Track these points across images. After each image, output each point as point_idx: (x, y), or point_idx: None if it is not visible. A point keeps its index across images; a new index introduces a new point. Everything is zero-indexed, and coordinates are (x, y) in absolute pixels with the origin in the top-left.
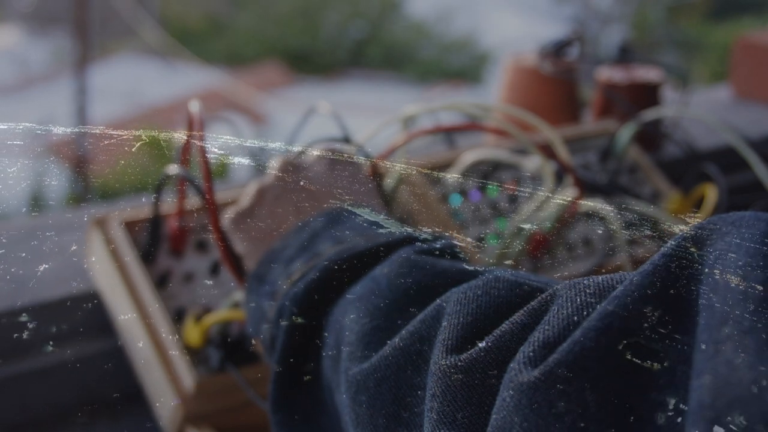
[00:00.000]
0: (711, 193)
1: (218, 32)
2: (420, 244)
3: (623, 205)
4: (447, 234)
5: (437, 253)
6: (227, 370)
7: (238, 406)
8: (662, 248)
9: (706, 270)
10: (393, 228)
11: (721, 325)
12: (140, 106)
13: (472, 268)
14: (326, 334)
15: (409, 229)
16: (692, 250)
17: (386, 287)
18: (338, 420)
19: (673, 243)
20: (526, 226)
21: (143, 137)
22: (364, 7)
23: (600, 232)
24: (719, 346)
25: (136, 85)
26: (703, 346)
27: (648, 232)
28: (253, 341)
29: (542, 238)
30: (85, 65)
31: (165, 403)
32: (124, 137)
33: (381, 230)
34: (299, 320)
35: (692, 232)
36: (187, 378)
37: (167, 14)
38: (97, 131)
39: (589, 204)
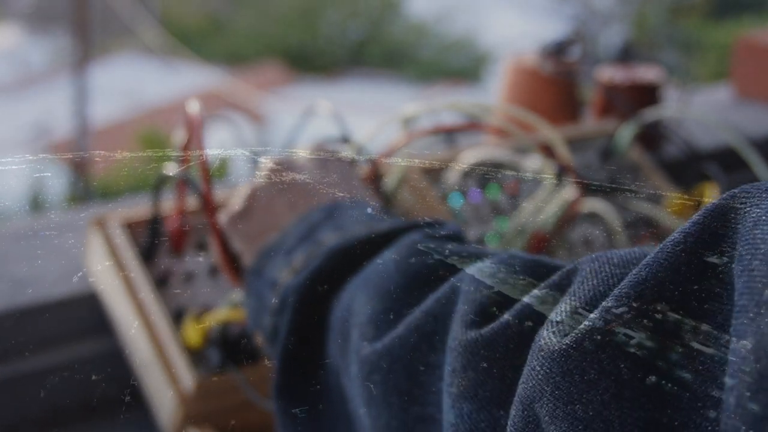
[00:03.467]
0: (711, 193)
1: (218, 32)
2: (425, 230)
3: (623, 205)
4: (453, 222)
5: (444, 238)
6: (227, 370)
7: (238, 406)
8: (693, 216)
9: (741, 237)
10: (395, 218)
11: (764, 288)
12: (140, 105)
13: (482, 250)
14: (331, 321)
15: (412, 219)
16: (724, 217)
17: (395, 271)
18: (344, 405)
19: (704, 211)
20: (527, 226)
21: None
22: (364, 7)
23: (600, 232)
24: (762, 308)
25: (136, 85)
26: (744, 310)
27: (648, 232)
28: (255, 334)
29: (543, 237)
30: (85, 65)
31: (165, 403)
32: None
33: (383, 220)
34: (302, 309)
35: (724, 200)
36: (187, 378)
37: (167, 14)
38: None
39: (589, 204)
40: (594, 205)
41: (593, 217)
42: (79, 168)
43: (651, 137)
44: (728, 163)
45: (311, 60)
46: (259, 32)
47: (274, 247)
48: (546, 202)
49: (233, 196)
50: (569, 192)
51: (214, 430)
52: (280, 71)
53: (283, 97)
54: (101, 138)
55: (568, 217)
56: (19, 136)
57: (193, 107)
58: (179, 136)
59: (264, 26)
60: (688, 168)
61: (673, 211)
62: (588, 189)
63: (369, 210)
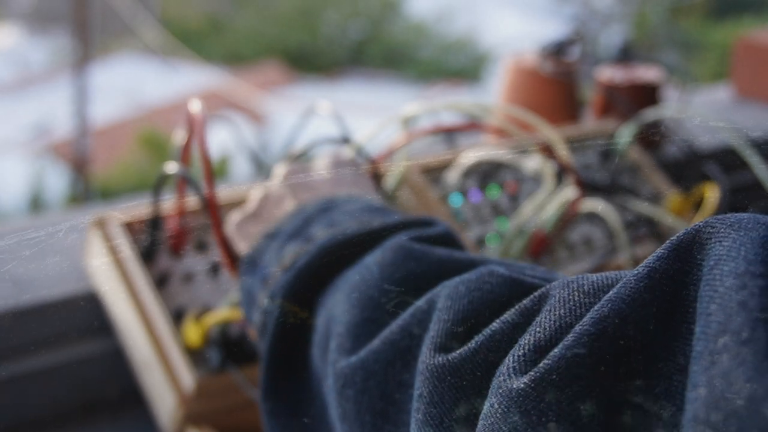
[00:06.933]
0: (711, 193)
1: (218, 32)
2: (415, 230)
3: (623, 205)
4: (444, 221)
5: (433, 240)
6: (227, 370)
7: (238, 406)
8: (657, 251)
9: (704, 276)
10: (388, 213)
11: (718, 335)
12: (140, 105)
13: (468, 258)
14: (316, 323)
15: (405, 215)
16: (689, 253)
17: (378, 276)
18: (326, 411)
19: (668, 245)
20: (527, 226)
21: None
22: (364, 7)
23: (600, 232)
24: (716, 357)
25: (136, 85)
26: (700, 357)
27: (648, 232)
28: (248, 327)
29: (543, 238)
30: (85, 65)
31: (165, 403)
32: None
33: (376, 215)
34: (289, 308)
35: (689, 235)
36: (187, 378)
37: (167, 14)
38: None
39: (589, 204)
40: (594, 205)
41: (593, 217)
42: (79, 168)
43: (651, 137)
44: (728, 163)
45: (311, 60)
46: (259, 32)
47: (269, 239)
48: (546, 202)
49: (245, 201)
50: (569, 192)
51: (214, 430)
52: (280, 71)
53: (283, 97)
54: (101, 138)
55: (568, 217)
56: (19, 136)
57: (196, 107)
58: (180, 135)
59: (264, 26)
60: (687, 168)
61: (673, 211)
62: (588, 189)
63: (365, 204)
